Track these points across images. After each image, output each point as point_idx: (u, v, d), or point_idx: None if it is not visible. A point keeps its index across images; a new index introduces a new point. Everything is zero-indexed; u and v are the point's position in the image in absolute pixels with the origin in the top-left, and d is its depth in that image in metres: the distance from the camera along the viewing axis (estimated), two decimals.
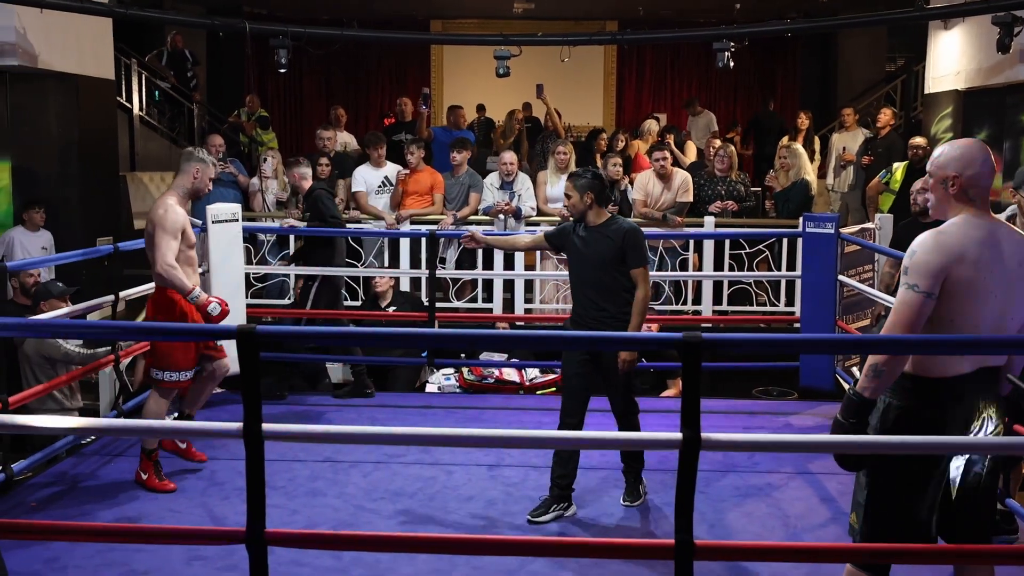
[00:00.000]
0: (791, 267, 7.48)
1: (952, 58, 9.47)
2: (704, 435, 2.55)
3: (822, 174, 10.14)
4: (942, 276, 2.74)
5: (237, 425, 2.63)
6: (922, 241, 2.80)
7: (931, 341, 2.76)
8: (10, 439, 4.55)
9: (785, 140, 9.54)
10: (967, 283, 2.75)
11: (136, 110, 11.55)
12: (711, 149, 8.86)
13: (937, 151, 2.93)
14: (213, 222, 6.11)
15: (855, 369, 6.53)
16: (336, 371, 7.55)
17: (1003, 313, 2.80)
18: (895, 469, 2.84)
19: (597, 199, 4.44)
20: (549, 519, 4.36)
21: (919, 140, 8.28)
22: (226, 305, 4.73)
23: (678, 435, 2.56)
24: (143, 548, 3.89)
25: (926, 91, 10.22)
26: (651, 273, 4.67)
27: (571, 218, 4.58)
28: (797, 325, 6.60)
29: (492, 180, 7.97)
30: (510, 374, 6.98)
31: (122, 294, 5.40)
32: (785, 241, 7.68)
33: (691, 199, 7.86)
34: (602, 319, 4.37)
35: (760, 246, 7.84)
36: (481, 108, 11.52)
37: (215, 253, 6.09)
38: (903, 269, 2.81)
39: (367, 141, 8.41)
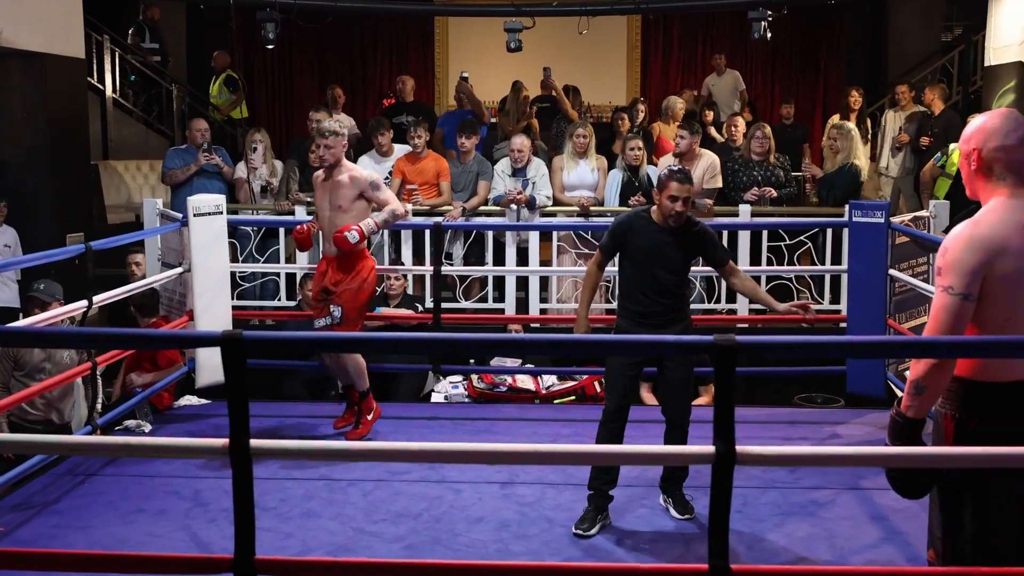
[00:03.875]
0: (836, 260, 7.47)
1: (1016, 26, 9.39)
2: (739, 448, 2.55)
3: (872, 156, 10.09)
4: (981, 274, 2.68)
5: (223, 441, 2.65)
6: (956, 235, 2.75)
7: (991, 344, 2.73)
8: None
9: (835, 119, 9.48)
10: (1015, 278, 2.69)
11: (109, 92, 11.59)
12: (732, 128, 8.82)
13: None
14: (195, 215, 6.14)
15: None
16: None
17: None
18: (973, 489, 2.74)
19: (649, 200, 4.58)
20: (596, 531, 4.47)
21: None
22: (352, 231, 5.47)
23: (710, 448, 2.56)
24: None
25: (986, 63, 10.16)
26: None
27: (674, 218, 4.56)
28: (843, 325, 6.58)
29: (503, 167, 7.97)
30: (524, 382, 6.98)
31: (95, 299, 5.41)
32: (830, 232, 7.65)
33: (720, 184, 7.85)
34: (678, 312, 4.59)
35: (802, 237, 7.81)
36: (518, 86, 11.01)
37: (197, 249, 6.12)
38: (936, 269, 2.77)
39: (370, 128, 8.44)
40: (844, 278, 6.93)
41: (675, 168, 4.62)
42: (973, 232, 2.74)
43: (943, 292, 2.73)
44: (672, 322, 4.57)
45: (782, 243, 7.78)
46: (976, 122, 2.88)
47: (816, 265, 7.81)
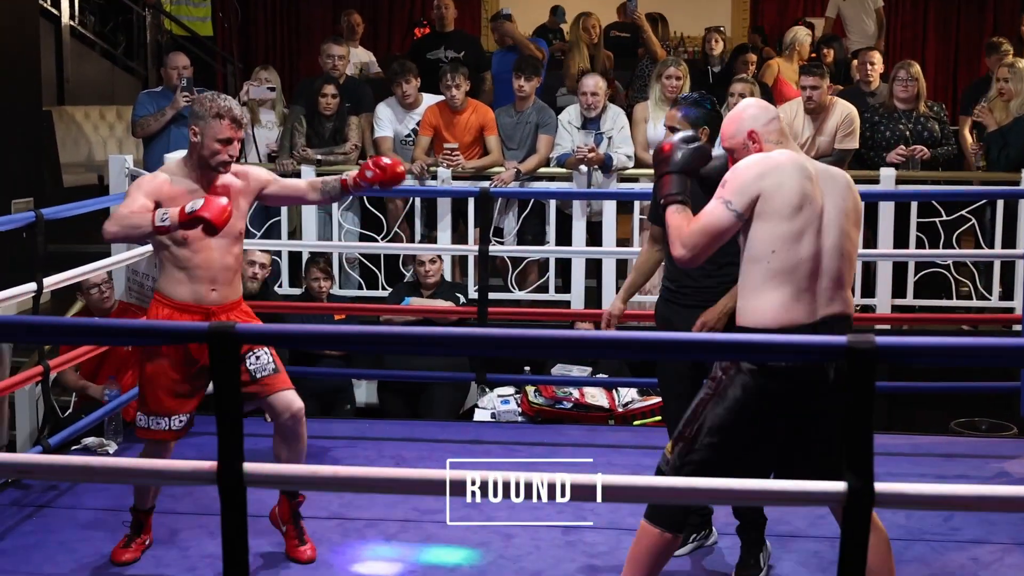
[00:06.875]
0: (1009, 243, 7.38)
1: None
2: (878, 485, 2.53)
3: None
4: None
5: (210, 464, 2.67)
6: None
7: None
8: None
9: (1010, 57, 9.31)
10: None
11: (66, 18, 11.70)
12: (867, 66, 8.69)
13: None
14: None
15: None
16: (364, 390, 7.64)
17: None
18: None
19: (712, 137, 4.47)
20: (688, 551, 4.58)
21: None
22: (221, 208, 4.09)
23: (840, 485, 2.55)
24: None
25: None
26: None
27: None
28: (1018, 327, 6.51)
29: (570, 117, 7.96)
30: (595, 396, 6.98)
31: (47, 281, 5.46)
32: (1001, 204, 7.55)
33: (856, 144, 7.78)
34: (724, 286, 4.43)
35: (964, 212, 7.72)
36: (557, 11, 11.21)
37: None
38: None
39: (392, 72, 8.40)
40: (1019, 265, 6.84)
41: None
42: None
43: None
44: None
45: (937, 219, 7.70)
46: None
47: (982, 248, 7.71)
